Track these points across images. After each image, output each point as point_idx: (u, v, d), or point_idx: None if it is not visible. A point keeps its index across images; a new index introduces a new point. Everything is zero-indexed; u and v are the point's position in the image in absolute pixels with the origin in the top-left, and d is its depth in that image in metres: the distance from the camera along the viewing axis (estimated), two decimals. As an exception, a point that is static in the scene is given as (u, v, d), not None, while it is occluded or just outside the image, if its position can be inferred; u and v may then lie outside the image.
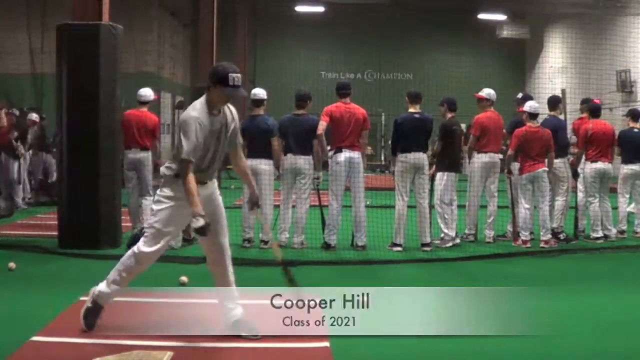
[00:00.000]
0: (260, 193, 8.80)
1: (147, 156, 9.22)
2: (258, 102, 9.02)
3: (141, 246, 5.04)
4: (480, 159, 9.50)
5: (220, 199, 5.22)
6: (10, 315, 5.54)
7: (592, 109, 10.07)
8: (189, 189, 4.77)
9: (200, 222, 4.74)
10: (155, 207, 5.05)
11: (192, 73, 26.78)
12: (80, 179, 8.68)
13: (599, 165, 9.77)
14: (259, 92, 9.10)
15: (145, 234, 5.09)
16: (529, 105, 9.35)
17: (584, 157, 9.92)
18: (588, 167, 9.80)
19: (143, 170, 9.19)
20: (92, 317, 5.04)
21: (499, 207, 9.81)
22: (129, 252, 5.12)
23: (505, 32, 30.23)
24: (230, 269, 5.14)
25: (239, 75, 4.94)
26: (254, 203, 5.45)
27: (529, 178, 9.18)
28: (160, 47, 24.07)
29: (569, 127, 10.46)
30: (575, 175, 9.91)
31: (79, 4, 8.91)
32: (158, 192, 5.08)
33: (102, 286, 5.09)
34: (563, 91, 10.73)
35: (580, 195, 10.04)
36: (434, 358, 4.84)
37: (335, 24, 27.11)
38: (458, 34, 28.26)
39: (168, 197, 4.98)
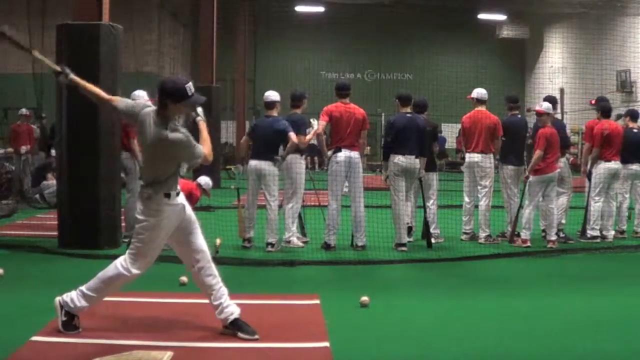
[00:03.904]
0: (265, 195, 8.84)
1: (127, 158, 9.19)
2: (270, 105, 8.97)
3: (131, 267, 4.92)
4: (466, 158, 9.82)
5: (189, 208, 5.14)
6: (10, 315, 5.55)
7: (604, 109, 10.08)
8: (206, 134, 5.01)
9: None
10: (145, 230, 4.90)
11: (192, 73, 26.79)
12: (80, 179, 8.68)
13: (612, 164, 9.80)
14: (271, 95, 9.03)
15: (133, 253, 4.95)
16: (546, 107, 9.30)
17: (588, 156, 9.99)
18: (602, 167, 9.79)
19: (125, 171, 9.23)
20: (72, 326, 4.99)
21: (496, 206, 9.84)
22: (115, 269, 4.97)
23: (505, 32, 30.28)
24: (214, 267, 5.07)
25: (190, 83, 4.90)
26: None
27: (545, 179, 9.16)
28: (160, 47, 24.09)
29: (568, 127, 10.48)
30: (590, 175, 9.91)
31: (79, 4, 8.91)
32: (141, 215, 4.91)
33: (75, 299, 4.96)
34: (562, 90, 10.74)
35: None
36: (434, 358, 4.84)
37: (335, 24, 27.13)
38: (458, 34, 28.29)
39: (156, 223, 4.87)
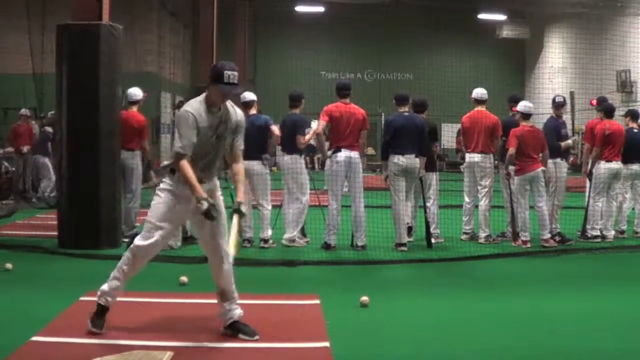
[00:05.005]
0: (255, 194, 8.87)
1: (130, 158, 9.22)
2: (248, 104, 9.03)
3: (137, 240, 5.08)
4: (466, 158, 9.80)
5: (220, 200, 5.20)
6: (10, 315, 5.55)
7: (607, 110, 10.09)
8: (187, 176, 4.79)
9: (204, 205, 4.77)
10: (153, 201, 5.08)
11: (192, 73, 26.78)
12: (80, 179, 8.68)
13: (614, 165, 9.80)
14: (247, 95, 9.18)
15: (145, 227, 5.11)
16: (522, 105, 9.36)
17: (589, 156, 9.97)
18: (602, 167, 9.79)
19: (126, 172, 9.24)
20: (100, 320, 5.05)
21: (496, 206, 9.84)
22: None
23: (505, 32, 30.25)
24: (230, 270, 5.11)
25: (235, 73, 4.98)
26: (234, 210, 5.12)
27: (527, 178, 9.18)
28: (160, 47, 24.06)
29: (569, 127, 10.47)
30: (590, 175, 9.90)
31: (79, 4, 8.91)
32: (158, 187, 5.15)
33: (104, 286, 5.11)
34: (572, 93, 10.74)
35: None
36: (434, 358, 4.84)
37: (335, 24, 27.11)
38: (458, 34, 28.28)
39: (164, 191, 5.02)
